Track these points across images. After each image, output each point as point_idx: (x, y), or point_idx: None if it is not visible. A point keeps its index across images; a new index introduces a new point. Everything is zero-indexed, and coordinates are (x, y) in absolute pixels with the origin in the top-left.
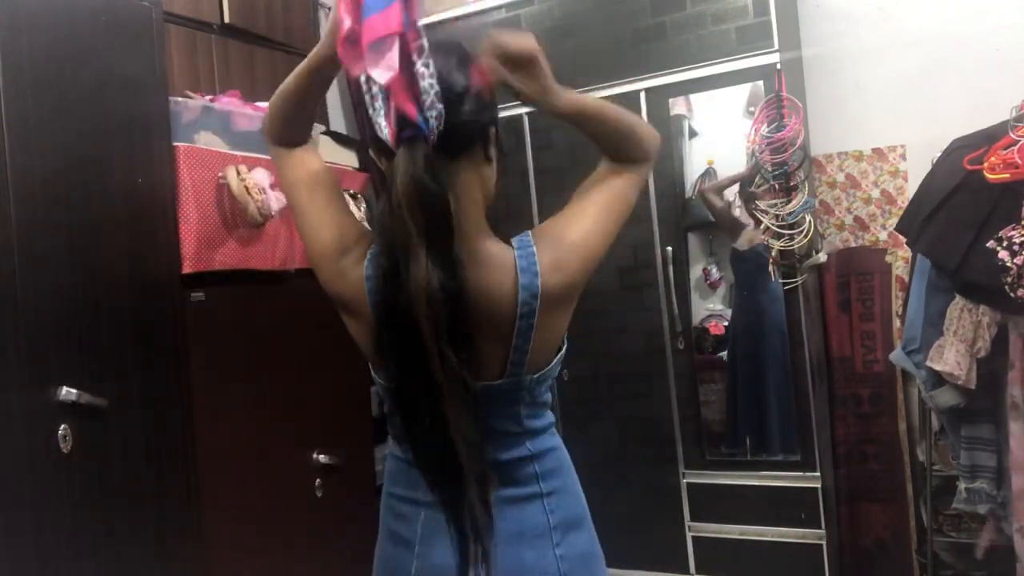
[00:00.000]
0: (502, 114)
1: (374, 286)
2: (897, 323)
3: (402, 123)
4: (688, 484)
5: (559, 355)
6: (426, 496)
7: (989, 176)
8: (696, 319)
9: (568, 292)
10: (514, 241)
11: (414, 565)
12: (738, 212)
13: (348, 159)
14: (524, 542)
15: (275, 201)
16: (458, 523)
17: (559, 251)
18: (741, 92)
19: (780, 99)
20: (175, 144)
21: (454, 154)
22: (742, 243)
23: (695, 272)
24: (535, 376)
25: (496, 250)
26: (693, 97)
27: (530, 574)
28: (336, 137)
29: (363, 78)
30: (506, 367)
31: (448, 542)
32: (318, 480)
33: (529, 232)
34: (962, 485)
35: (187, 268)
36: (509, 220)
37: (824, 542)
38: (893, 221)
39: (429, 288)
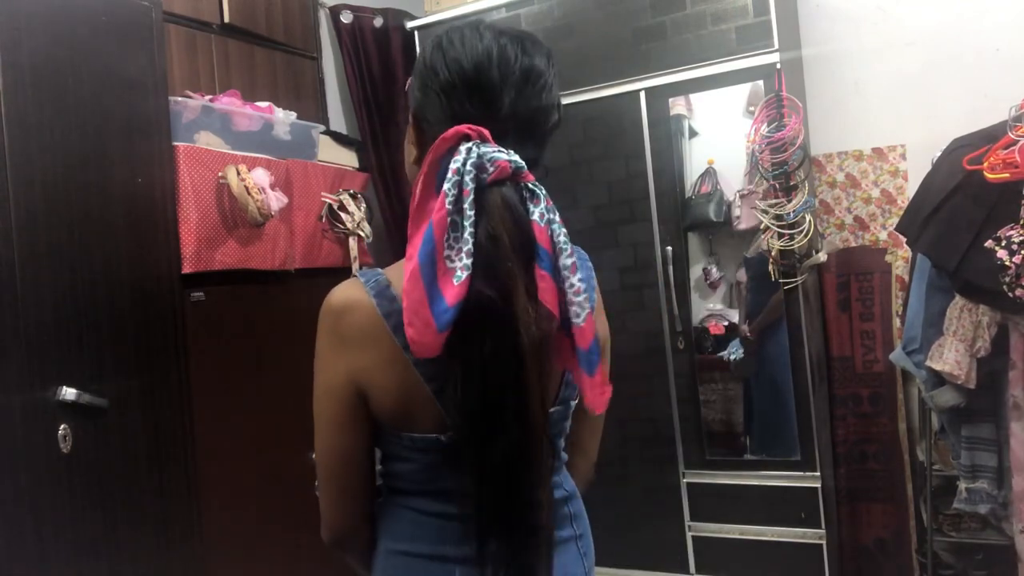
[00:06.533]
0: None
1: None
2: (897, 323)
3: None
4: (688, 484)
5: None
6: (456, 552)
7: (989, 176)
8: (696, 319)
9: None
10: None
11: None
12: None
13: (348, 159)
14: None
15: (275, 201)
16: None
17: None
18: (741, 92)
19: (780, 99)
20: (175, 144)
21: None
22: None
23: (695, 272)
24: (572, 401)
25: None
26: (693, 97)
27: None
28: (336, 137)
29: None
30: (560, 388)
31: None
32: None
33: None
34: (962, 485)
35: (187, 268)
36: None
37: (824, 542)
38: (893, 221)
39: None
